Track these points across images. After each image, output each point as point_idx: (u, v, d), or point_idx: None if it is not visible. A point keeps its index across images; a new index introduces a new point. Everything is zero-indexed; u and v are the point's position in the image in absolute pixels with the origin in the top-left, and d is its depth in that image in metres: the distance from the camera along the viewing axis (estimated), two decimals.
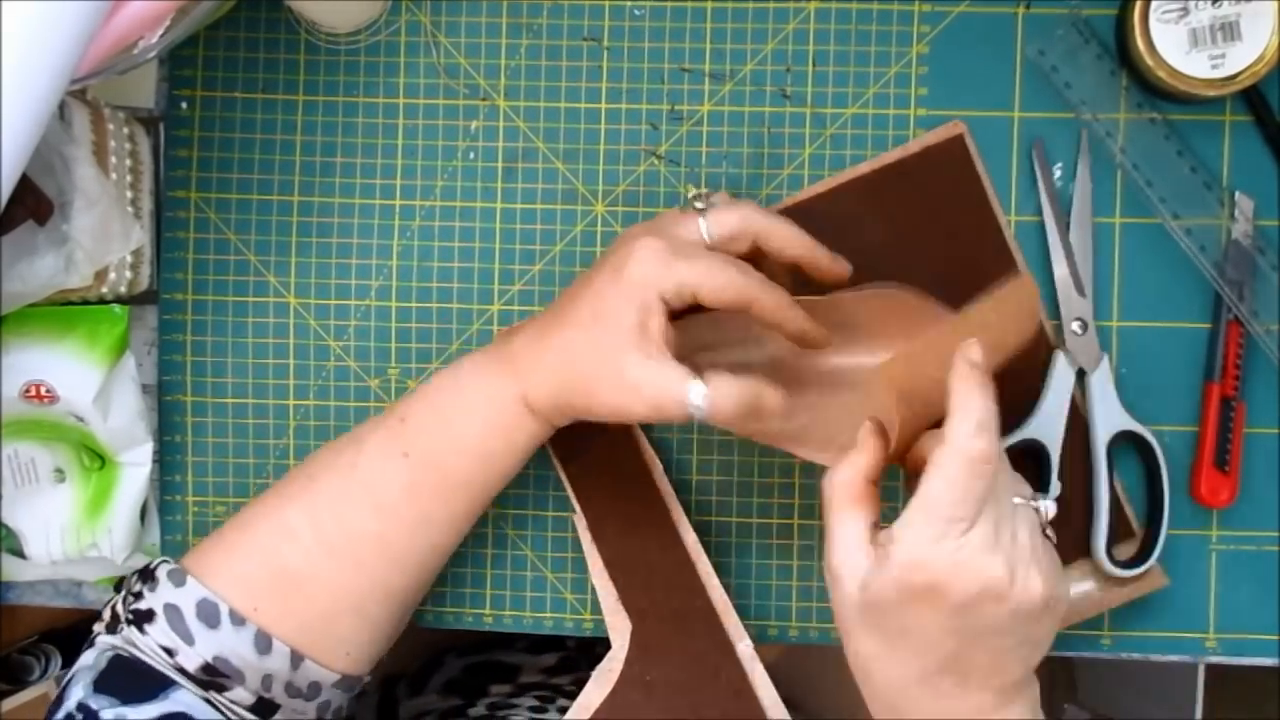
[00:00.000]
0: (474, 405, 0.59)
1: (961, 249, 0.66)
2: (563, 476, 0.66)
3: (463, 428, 0.59)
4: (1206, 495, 0.65)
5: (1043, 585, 0.50)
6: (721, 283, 0.55)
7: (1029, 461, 0.65)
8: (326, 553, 0.58)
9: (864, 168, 0.66)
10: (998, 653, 0.51)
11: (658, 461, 0.66)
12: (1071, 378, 0.65)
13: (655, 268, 0.55)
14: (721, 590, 0.64)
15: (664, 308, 0.55)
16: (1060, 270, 0.65)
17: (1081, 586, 0.65)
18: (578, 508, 0.65)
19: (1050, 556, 0.52)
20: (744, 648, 0.64)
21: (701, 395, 0.54)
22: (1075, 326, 0.65)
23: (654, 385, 0.55)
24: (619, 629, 0.64)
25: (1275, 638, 0.66)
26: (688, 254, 0.56)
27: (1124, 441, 0.65)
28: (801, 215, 0.64)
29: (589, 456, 0.66)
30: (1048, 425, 0.64)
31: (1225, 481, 0.65)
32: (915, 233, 0.66)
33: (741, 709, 0.63)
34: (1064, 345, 0.65)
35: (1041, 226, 0.66)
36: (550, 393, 0.57)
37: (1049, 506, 0.54)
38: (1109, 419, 0.65)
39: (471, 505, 0.60)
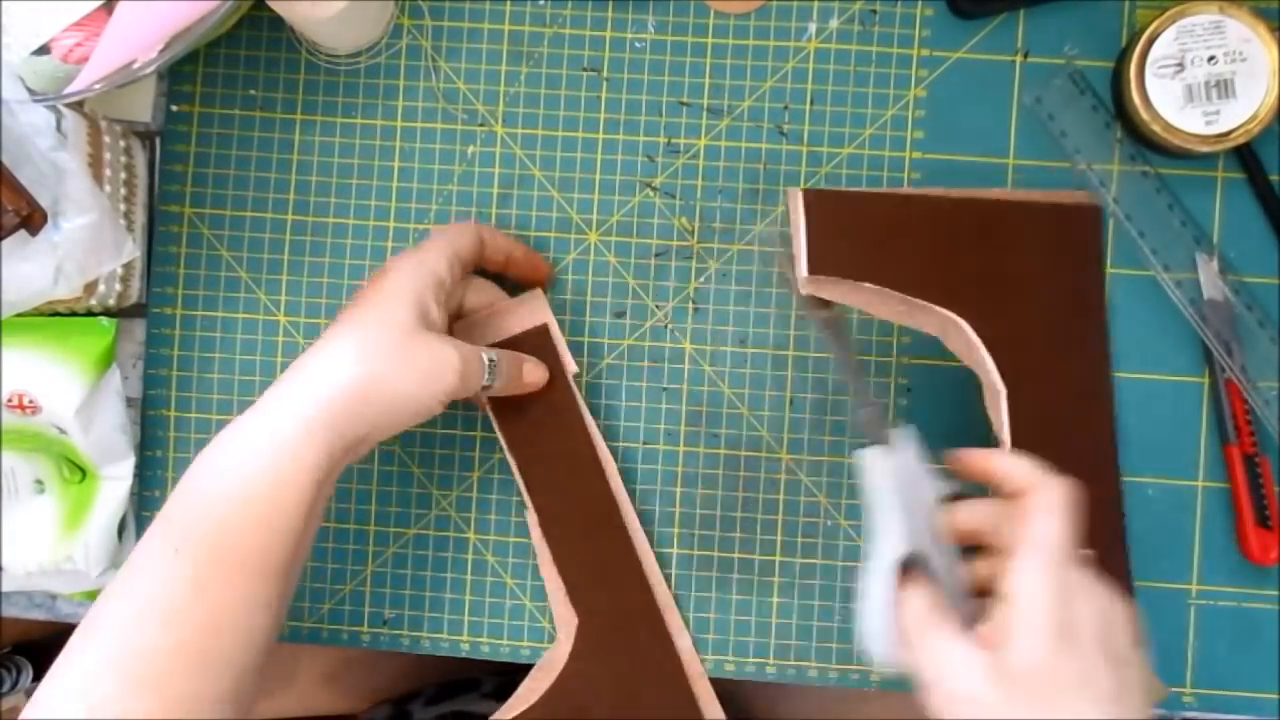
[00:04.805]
0: (246, 445, 0.55)
1: (1055, 306, 0.64)
2: (516, 473, 0.66)
3: (230, 482, 0.54)
4: (1258, 553, 0.64)
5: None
6: (468, 234, 0.62)
7: None
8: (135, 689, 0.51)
9: (996, 192, 0.64)
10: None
11: (612, 461, 0.66)
12: None
13: (412, 267, 0.59)
14: (665, 587, 0.66)
15: (436, 296, 0.59)
16: None
17: None
18: (529, 504, 0.66)
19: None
20: (684, 644, 0.66)
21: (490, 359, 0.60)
22: None
23: (453, 360, 0.58)
24: (565, 623, 0.65)
25: (1253, 694, 0.66)
26: (425, 246, 0.60)
27: None
28: (925, 207, 0.63)
29: (541, 451, 0.65)
30: None
31: (1273, 537, 0.64)
32: (1016, 270, 0.63)
33: (679, 703, 0.65)
34: None
35: None
36: (336, 402, 0.55)
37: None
38: None
39: (265, 583, 0.54)
